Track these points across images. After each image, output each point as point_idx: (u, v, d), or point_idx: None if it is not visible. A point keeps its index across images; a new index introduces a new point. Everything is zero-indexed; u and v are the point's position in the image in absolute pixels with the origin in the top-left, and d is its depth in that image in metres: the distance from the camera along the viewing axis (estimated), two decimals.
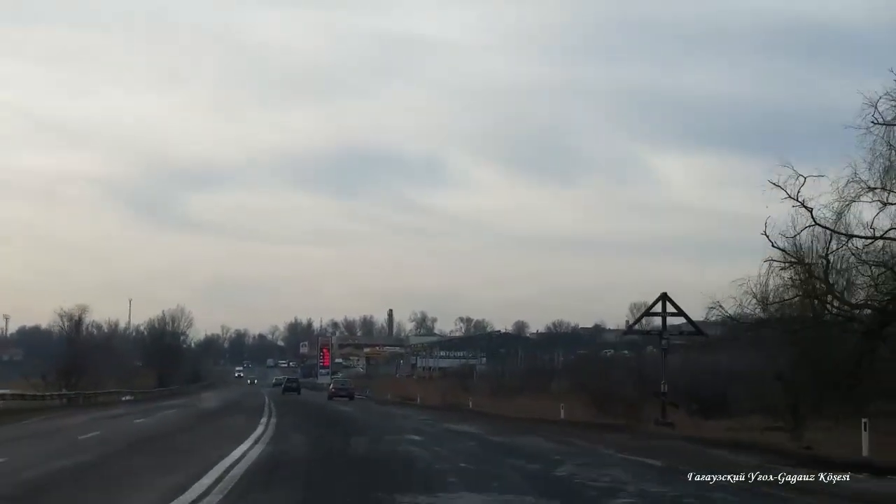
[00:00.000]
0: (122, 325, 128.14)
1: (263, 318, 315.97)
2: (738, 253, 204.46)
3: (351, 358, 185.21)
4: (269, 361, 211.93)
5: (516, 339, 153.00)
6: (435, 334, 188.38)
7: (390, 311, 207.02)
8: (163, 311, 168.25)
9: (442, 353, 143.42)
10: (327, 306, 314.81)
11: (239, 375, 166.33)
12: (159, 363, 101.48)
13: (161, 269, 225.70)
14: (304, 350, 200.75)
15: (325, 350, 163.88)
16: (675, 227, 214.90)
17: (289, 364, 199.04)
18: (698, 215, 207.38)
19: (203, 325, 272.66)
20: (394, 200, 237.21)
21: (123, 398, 62.81)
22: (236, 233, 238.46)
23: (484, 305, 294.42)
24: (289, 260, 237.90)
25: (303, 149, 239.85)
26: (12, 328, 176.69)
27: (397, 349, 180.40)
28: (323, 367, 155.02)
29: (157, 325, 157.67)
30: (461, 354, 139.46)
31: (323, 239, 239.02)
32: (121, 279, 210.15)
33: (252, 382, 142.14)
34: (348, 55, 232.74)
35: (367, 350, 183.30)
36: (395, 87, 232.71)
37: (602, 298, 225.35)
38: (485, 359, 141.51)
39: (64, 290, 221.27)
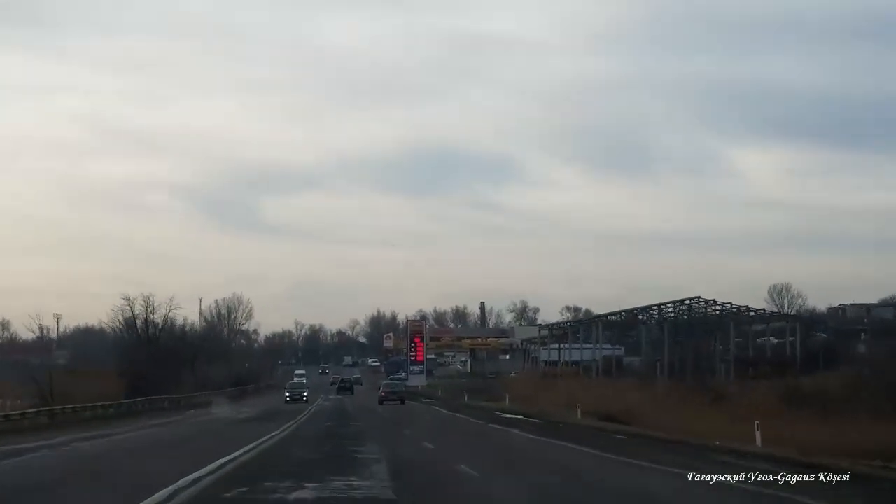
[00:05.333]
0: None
1: (342, 316, 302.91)
2: (826, 243, 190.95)
3: (446, 354, 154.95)
4: (347, 359, 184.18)
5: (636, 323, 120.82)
6: (539, 325, 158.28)
7: (482, 303, 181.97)
8: (215, 301, 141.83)
9: (557, 346, 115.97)
10: (409, 305, 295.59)
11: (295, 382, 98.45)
12: (141, 363, 72.99)
13: (238, 272, 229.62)
14: (388, 344, 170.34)
15: (417, 340, 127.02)
16: (760, 219, 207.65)
17: (376, 362, 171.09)
18: (781, 208, 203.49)
19: (278, 324, 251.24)
20: (472, 200, 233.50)
21: None
22: (314, 235, 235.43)
23: (574, 302, 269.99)
24: (367, 260, 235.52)
25: (379, 151, 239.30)
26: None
27: (503, 340, 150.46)
28: (416, 363, 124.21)
29: (210, 316, 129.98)
30: (590, 345, 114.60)
31: (402, 239, 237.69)
32: (197, 283, 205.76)
33: (300, 398, 79.54)
34: (423, 56, 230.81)
35: (467, 340, 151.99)
36: (470, 87, 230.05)
37: (694, 288, 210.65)
38: (622, 349, 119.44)
39: (141, 294, 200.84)
